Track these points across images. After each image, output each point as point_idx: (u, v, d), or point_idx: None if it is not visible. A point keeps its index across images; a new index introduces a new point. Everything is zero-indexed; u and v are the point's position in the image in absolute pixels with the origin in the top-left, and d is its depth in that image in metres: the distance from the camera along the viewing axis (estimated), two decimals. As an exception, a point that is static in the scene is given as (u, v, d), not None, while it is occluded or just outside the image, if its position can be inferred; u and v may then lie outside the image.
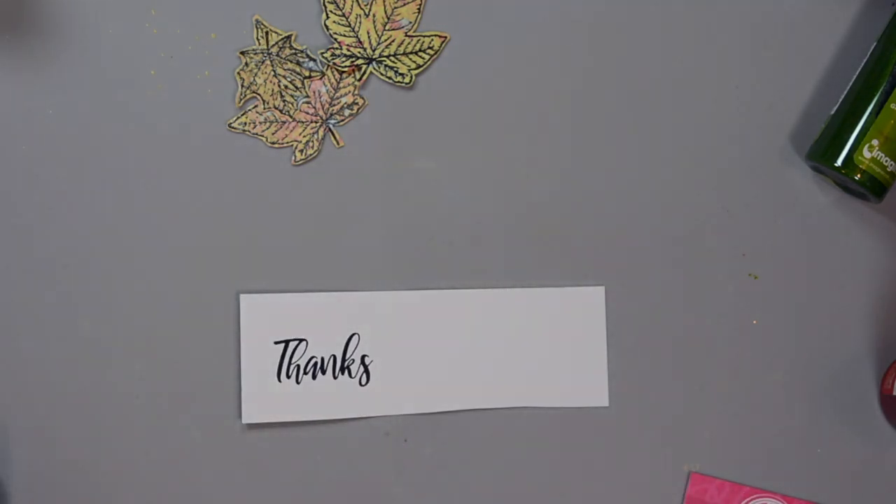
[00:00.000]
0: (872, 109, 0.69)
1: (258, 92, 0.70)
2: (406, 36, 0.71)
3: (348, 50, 0.71)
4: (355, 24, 0.71)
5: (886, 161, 0.69)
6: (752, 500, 0.72)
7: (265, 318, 0.70)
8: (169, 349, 0.70)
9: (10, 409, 0.70)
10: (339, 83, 0.71)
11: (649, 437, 0.72)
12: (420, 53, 0.71)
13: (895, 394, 0.70)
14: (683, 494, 0.72)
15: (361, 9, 0.71)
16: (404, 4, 0.71)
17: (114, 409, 0.70)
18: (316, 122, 0.71)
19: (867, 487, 0.73)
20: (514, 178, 0.72)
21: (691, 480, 0.72)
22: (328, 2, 0.70)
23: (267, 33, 0.70)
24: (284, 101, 0.71)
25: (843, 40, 0.73)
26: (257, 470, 0.71)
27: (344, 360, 0.71)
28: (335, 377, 0.71)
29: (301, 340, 0.71)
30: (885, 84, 0.69)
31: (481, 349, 0.72)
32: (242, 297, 0.70)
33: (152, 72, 0.70)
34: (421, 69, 0.71)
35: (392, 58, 0.71)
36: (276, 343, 0.70)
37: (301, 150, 0.71)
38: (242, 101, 0.71)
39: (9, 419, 0.70)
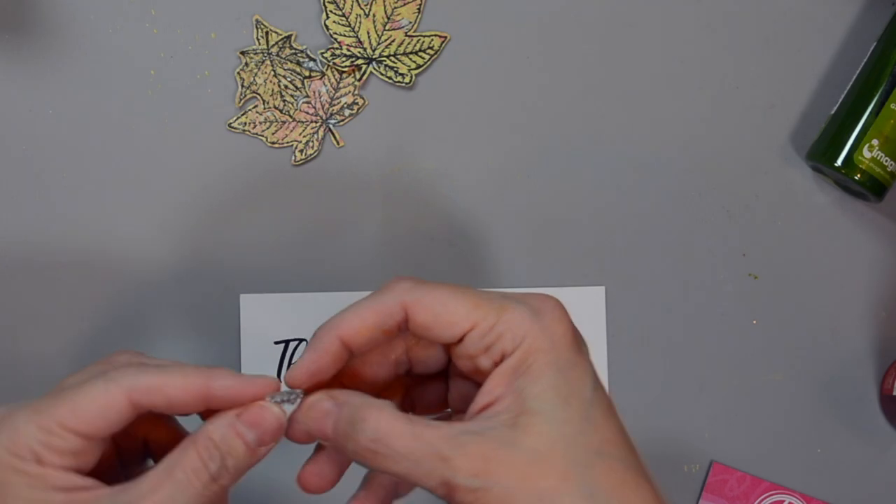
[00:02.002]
0: (872, 109, 0.69)
1: (258, 92, 0.70)
2: (406, 36, 0.71)
3: (348, 50, 0.71)
4: (355, 24, 0.71)
5: (886, 161, 0.69)
6: (770, 495, 0.72)
7: (265, 318, 0.70)
8: (169, 349, 0.70)
9: (10, 409, 0.70)
10: (339, 83, 0.71)
11: (649, 437, 0.72)
12: (420, 53, 0.71)
13: (895, 394, 0.70)
14: (683, 494, 0.72)
15: (361, 9, 0.71)
16: (404, 4, 0.71)
17: (114, 409, 0.70)
18: (316, 122, 0.71)
19: (867, 487, 0.73)
20: (514, 179, 0.72)
21: (712, 470, 0.72)
22: (328, 2, 0.70)
23: (267, 33, 0.70)
24: (284, 101, 0.71)
25: (843, 40, 0.73)
26: (257, 470, 0.71)
27: (344, 360, 0.71)
28: (335, 377, 0.71)
29: (301, 340, 0.71)
30: (885, 84, 0.69)
31: (481, 349, 0.71)
32: (242, 297, 0.70)
33: (152, 72, 0.70)
34: (421, 69, 0.71)
35: (392, 58, 0.71)
36: (276, 343, 0.70)
37: (301, 150, 0.71)
38: (242, 101, 0.71)
39: (9, 419, 0.70)
